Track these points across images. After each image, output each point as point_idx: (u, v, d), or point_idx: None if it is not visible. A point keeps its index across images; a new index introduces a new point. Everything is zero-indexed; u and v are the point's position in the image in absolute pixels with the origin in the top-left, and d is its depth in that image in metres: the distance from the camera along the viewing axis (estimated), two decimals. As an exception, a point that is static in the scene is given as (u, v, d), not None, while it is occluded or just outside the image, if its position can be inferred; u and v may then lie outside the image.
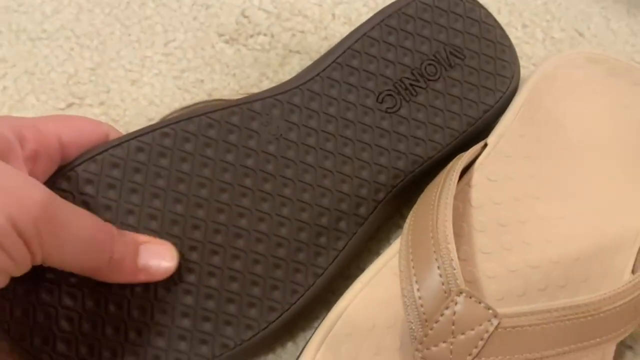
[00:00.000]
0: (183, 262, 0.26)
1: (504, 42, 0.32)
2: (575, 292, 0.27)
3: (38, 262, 0.22)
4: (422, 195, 0.28)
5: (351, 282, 0.28)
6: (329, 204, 0.28)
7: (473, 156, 0.29)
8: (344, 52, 0.30)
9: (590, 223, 0.29)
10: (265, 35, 0.37)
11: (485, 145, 0.29)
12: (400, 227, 0.32)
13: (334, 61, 0.30)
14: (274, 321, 0.27)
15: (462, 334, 0.22)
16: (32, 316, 0.25)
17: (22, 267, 0.22)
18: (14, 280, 0.24)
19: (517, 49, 0.35)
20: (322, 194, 0.28)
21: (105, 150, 0.26)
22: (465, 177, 0.29)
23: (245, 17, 0.38)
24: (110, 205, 0.26)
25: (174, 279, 0.26)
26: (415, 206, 0.27)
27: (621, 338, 0.25)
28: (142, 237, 0.26)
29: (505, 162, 0.29)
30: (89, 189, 0.26)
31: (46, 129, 0.24)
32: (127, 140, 0.27)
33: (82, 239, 0.23)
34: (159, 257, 0.25)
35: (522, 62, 0.37)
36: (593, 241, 0.28)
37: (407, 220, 0.27)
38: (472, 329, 0.22)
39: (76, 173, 0.26)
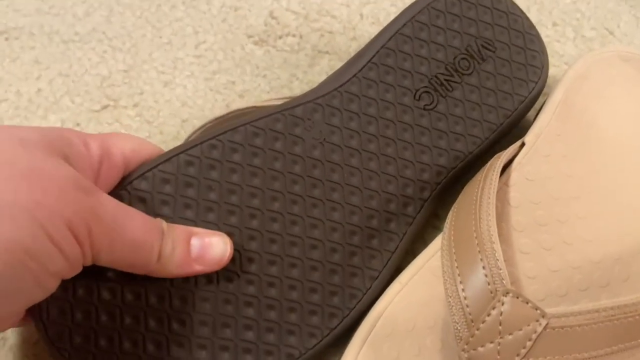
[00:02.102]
0: (242, 274, 0.26)
1: (531, 32, 0.32)
2: (618, 292, 0.27)
3: (88, 263, 0.22)
4: (461, 195, 0.28)
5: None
6: (377, 206, 0.28)
7: (511, 155, 0.29)
8: (378, 51, 0.30)
9: (630, 222, 0.29)
10: (294, 36, 0.37)
11: (523, 144, 0.29)
12: (435, 227, 0.32)
13: (369, 61, 0.30)
14: (336, 327, 0.27)
15: (510, 334, 0.22)
16: (70, 315, 0.24)
17: (74, 269, 0.22)
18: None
19: (548, 48, 0.35)
20: (370, 196, 0.28)
21: (155, 167, 0.26)
22: (503, 176, 0.29)
23: (274, 18, 0.38)
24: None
25: (234, 292, 0.26)
26: (455, 205, 0.27)
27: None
28: (195, 230, 0.26)
29: (544, 161, 0.29)
30: (142, 207, 0.25)
31: (110, 141, 0.25)
32: (176, 155, 0.26)
33: (131, 239, 0.23)
34: (212, 246, 0.25)
35: (554, 61, 0.37)
36: (633, 240, 0.28)
37: (448, 220, 0.27)
38: (520, 329, 0.22)
39: (127, 192, 0.25)
